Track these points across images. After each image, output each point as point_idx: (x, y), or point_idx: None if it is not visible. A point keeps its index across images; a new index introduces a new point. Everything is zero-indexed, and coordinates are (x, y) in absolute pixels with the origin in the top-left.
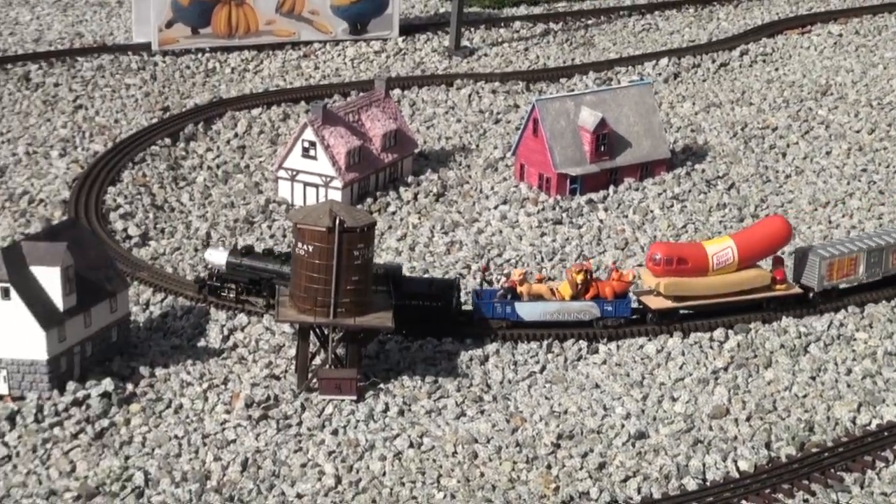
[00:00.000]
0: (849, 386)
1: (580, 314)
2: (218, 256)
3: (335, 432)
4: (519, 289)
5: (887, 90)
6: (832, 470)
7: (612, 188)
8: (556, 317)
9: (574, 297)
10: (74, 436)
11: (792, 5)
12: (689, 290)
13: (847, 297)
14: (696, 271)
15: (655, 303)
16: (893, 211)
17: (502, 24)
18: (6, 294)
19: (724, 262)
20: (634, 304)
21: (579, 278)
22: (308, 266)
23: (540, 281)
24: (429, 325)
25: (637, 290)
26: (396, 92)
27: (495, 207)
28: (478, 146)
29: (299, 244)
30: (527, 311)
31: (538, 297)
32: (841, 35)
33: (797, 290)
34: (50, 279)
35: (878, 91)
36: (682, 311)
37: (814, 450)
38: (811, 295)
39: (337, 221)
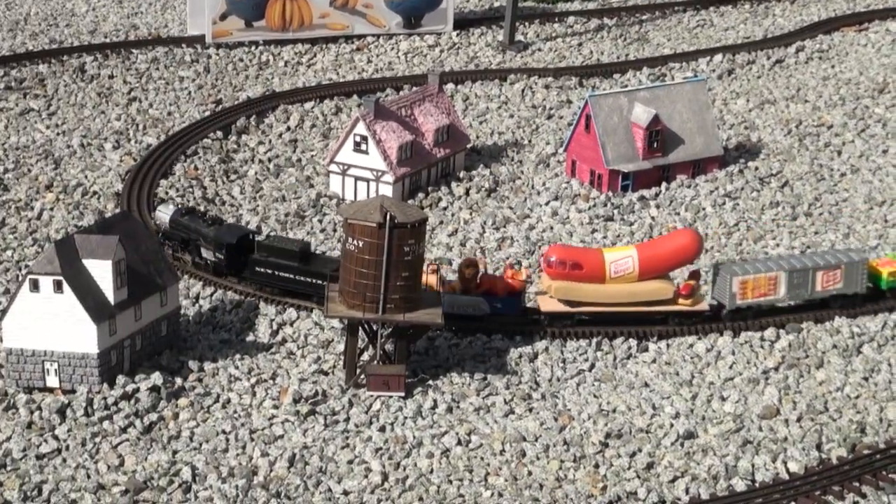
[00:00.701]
0: None
1: (469, 308)
2: (163, 215)
3: (382, 429)
4: None
5: None
6: (884, 472)
7: (664, 185)
8: (447, 309)
9: (465, 291)
10: (123, 430)
11: (849, 2)
12: (580, 295)
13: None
14: (592, 278)
15: (547, 305)
16: None
17: (556, 19)
18: (59, 287)
19: (622, 271)
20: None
21: (468, 273)
22: (358, 262)
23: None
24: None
25: (538, 290)
26: (450, 86)
27: (546, 203)
28: (530, 141)
29: (350, 239)
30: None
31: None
32: None
33: (704, 305)
34: (102, 272)
35: None
36: (578, 317)
37: (865, 451)
38: (723, 312)
39: (388, 217)
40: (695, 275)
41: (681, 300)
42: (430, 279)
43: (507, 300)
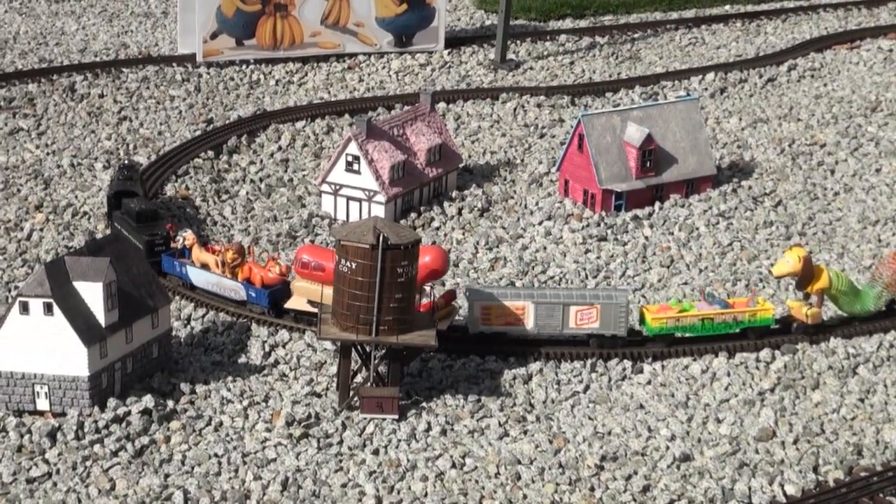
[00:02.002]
0: None
1: (231, 292)
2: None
3: (376, 452)
4: (192, 254)
5: None
6: (881, 494)
7: (657, 205)
8: (215, 289)
9: (234, 275)
10: (114, 453)
11: (841, 20)
12: (315, 296)
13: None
14: (331, 280)
15: (293, 302)
16: None
17: (548, 38)
18: (49, 309)
19: None
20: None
21: (228, 256)
22: (351, 283)
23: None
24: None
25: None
26: (441, 105)
27: (540, 223)
28: (522, 161)
29: (342, 261)
30: (195, 275)
31: (204, 266)
32: (891, 50)
33: (447, 323)
34: (93, 294)
35: None
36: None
37: (862, 474)
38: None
39: (381, 238)
40: (448, 296)
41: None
42: (226, 256)
43: (259, 291)
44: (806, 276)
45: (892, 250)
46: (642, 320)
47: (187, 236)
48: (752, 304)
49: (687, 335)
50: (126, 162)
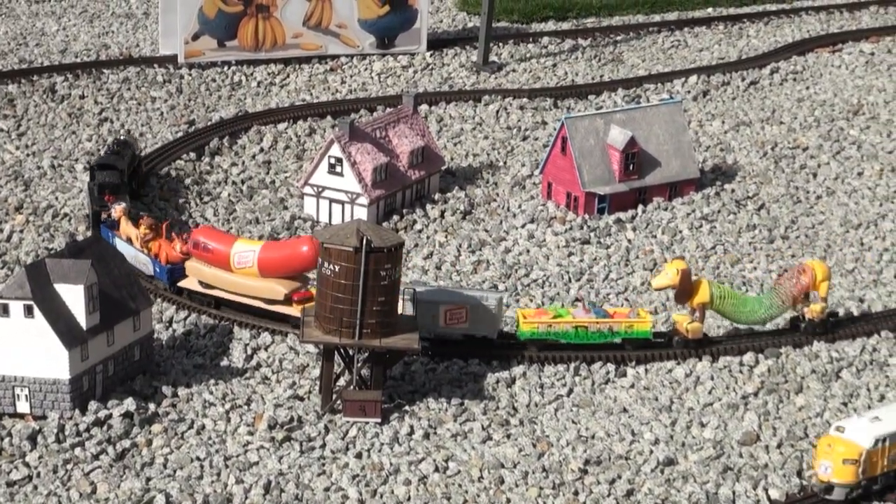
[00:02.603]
0: None
1: (143, 266)
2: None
3: (359, 455)
4: (119, 226)
5: None
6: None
7: (640, 208)
8: (133, 262)
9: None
10: (95, 456)
11: (823, 23)
12: (201, 276)
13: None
14: (219, 263)
15: (186, 282)
16: None
17: (530, 40)
18: (29, 312)
19: (243, 263)
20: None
21: (141, 230)
22: (334, 286)
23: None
24: None
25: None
26: (423, 107)
27: (523, 226)
28: (505, 163)
29: (325, 264)
30: (120, 248)
31: (129, 239)
32: (873, 54)
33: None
34: (74, 297)
35: None
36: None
37: None
38: None
39: (364, 241)
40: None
41: (294, 304)
42: (140, 228)
43: (161, 267)
44: (684, 289)
45: (798, 264)
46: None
47: (117, 209)
48: (633, 315)
49: (561, 341)
50: (123, 137)
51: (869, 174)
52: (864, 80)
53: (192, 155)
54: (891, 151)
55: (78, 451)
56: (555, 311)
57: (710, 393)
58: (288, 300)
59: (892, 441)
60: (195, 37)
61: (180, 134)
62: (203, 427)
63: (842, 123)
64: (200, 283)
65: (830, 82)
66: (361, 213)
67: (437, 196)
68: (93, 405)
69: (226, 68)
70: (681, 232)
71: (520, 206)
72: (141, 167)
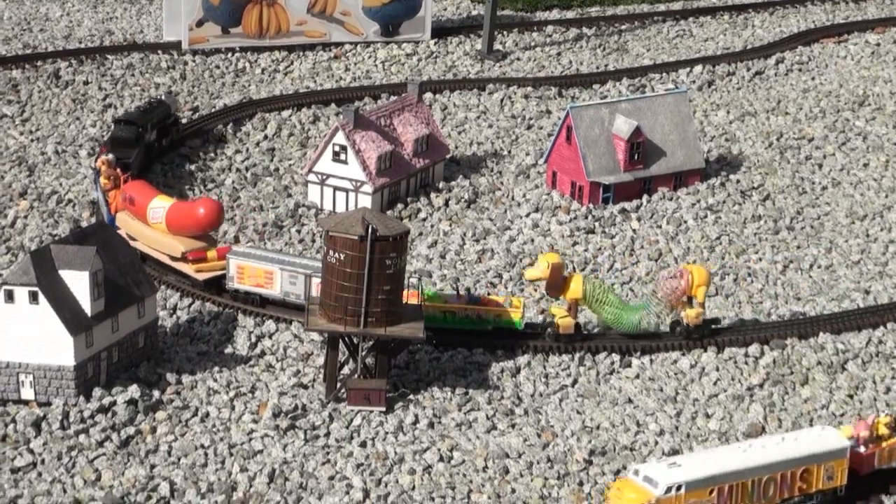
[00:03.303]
0: (887, 405)
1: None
2: None
3: (363, 444)
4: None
5: None
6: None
7: (645, 197)
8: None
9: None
10: (100, 444)
11: (828, 13)
12: (127, 228)
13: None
14: (140, 216)
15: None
16: None
17: (535, 28)
18: (34, 298)
19: (156, 219)
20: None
21: (102, 179)
22: (339, 274)
23: None
24: None
25: None
26: (428, 95)
27: (527, 215)
28: (509, 152)
29: (330, 252)
30: (99, 196)
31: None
32: (878, 44)
33: (207, 276)
34: (79, 283)
35: None
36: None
37: None
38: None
39: (369, 230)
40: (222, 250)
41: (189, 263)
42: None
43: (110, 216)
44: (554, 282)
45: (667, 271)
46: None
47: (101, 160)
48: (507, 304)
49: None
50: (163, 95)
51: (874, 165)
52: (869, 70)
53: (197, 141)
54: None
55: (82, 437)
56: (428, 294)
57: (715, 384)
58: (184, 258)
59: (690, 489)
60: (199, 23)
61: (184, 121)
62: (207, 415)
63: (847, 114)
64: (128, 235)
65: (836, 73)
66: (365, 201)
67: (441, 184)
68: (97, 392)
69: (230, 55)
70: (686, 222)
71: (524, 196)
72: (176, 126)
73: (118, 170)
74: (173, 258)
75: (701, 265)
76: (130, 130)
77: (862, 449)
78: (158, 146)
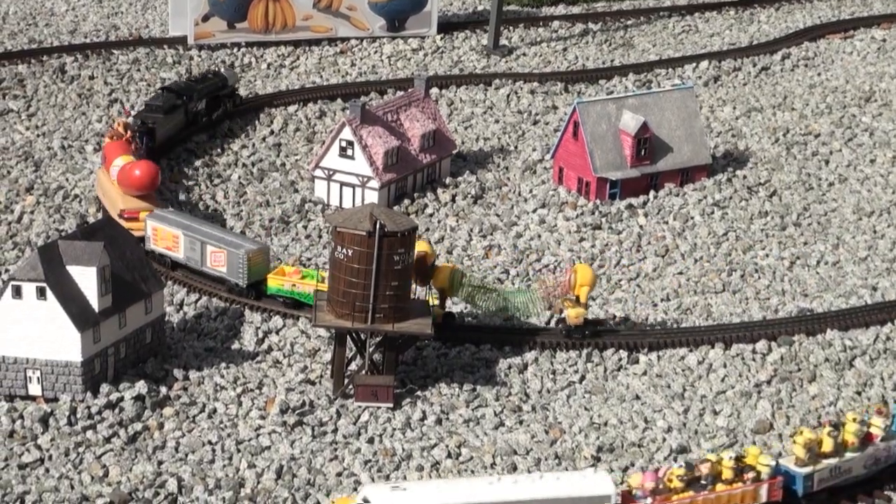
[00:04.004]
0: None
1: None
2: None
3: (371, 441)
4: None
5: None
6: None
7: (652, 193)
8: None
9: None
10: (107, 440)
11: (834, 9)
12: (99, 185)
13: None
14: (107, 173)
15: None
16: None
17: (541, 24)
18: (42, 294)
19: (113, 176)
20: None
21: (106, 138)
22: (347, 270)
23: None
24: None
25: None
26: (434, 91)
27: (534, 211)
28: (516, 147)
29: (338, 248)
30: None
31: None
32: (884, 40)
33: (138, 234)
34: (86, 279)
35: None
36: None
37: None
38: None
39: (378, 226)
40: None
41: (124, 220)
42: None
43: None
44: (420, 270)
45: (544, 276)
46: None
47: (119, 121)
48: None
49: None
50: (222, 69)
51: (881, 161)
52: (875, 66)
53: (203, 136)
54: None
55: (90, 433)
56: (304, 272)
57: (722, 381)
58: (121, 215)
59: None
60: (205, 18)
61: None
62: (215, 411)
63: (854, 110)
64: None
65: (842, 69)
66: (372, 197)
67: (447, 180)
68: (104, 388)
69: (236, 50)
70: (692, 218)
71: (531, 191)
72: (233, 99)
73: (128, 133)
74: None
75: (587, 266)
76: (167, 98)
77: (648, 501)
78: (207, 117)
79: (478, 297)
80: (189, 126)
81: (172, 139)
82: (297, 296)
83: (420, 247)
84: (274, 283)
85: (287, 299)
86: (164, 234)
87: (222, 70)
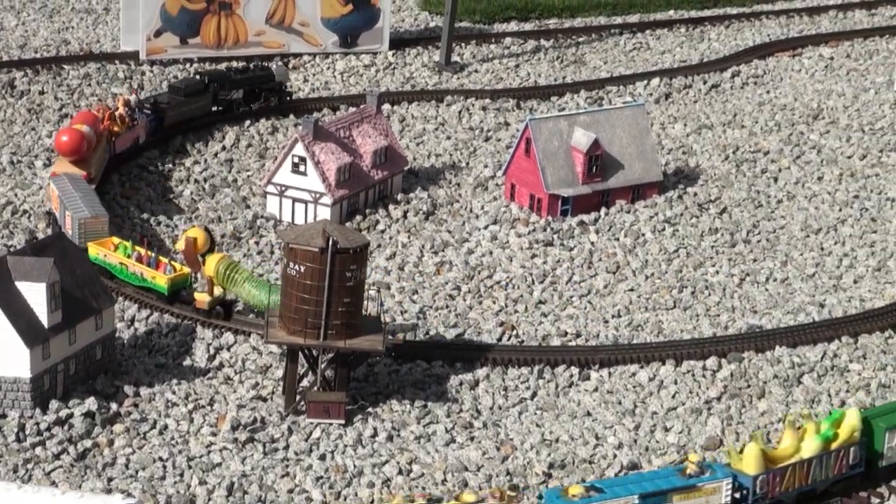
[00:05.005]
0: None
1: None
2: None
3: (323, 457)
4: None
5: (878, 115)
6: None
7: (603, 210)
8: None
9: None
10: (56, 456)
11: (783, 27)
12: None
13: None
14: None
15: None
16: (885, 239)
17: (493, 40)
18: None
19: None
20: None
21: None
22: (299, 287)
23: None
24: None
25: None
26: (386, 107)
27: (485, 227)
28: (468, 164)
29: (290, 264)
30: None
31: None
32: (832, 58)
33: None
34: (35, 295)
35: (870, 116)
36: None
37: None
38: None
39: (330, 242)
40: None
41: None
42: None
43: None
44: (188, 257)
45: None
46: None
47: (122, 97)
48: (168, 270)
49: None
50: (274, 64)
51: (829, 179)
52: (823, 84)
53: (155, 152)
54: (850, 156)
55: (38, 450)
56: (119, 244)
57: (673, 397)
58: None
59: None
60: (157, 33)
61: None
62: (166, 427)
63: (802, 128)
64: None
65: (791, 86)
66: (325, 213)
67: (399, 196)
68: (54, 404)
69: (188, 65)
70: (643, 235)
71: (482, 208)
72: (278, 94)
73: (124, 110)
74: None
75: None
76: (191, 82)
77: None
78: (246, 107)
79: (237, 290)
80: (224, 112)
81: (191, 122)
82: (106, 266)
83: (192, 233)
84: (93, 251)
85: (101, 269)
86: (55, 197)
87: (273, 65)
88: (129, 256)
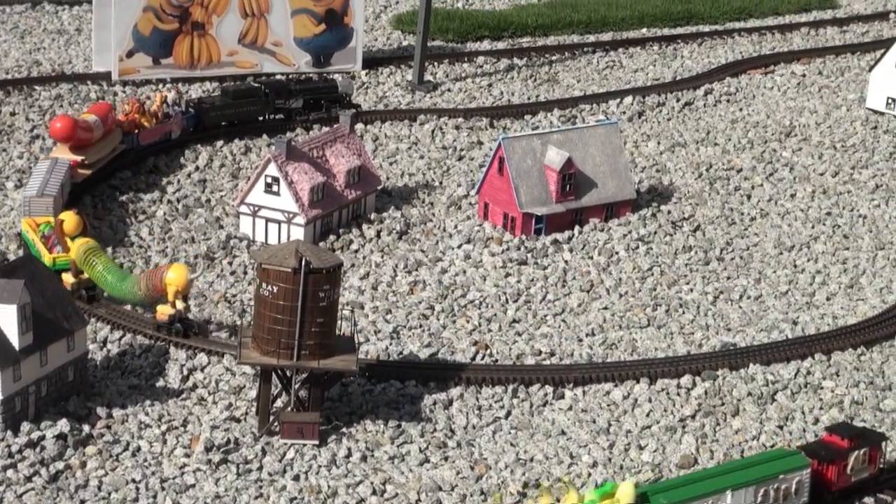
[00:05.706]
0: (816, 435)
1: None
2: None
3: (297, 478)
4: None
5: (850, 132)
6: None
7: (577, 228)
8: None
9: None
10: (28, 479)
11: (755, 45)
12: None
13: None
14: None
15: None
16: (857, 256)
17: (466, 59)
18: None
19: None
20: None
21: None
22: (272, 307)
23: None
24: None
25: None
26: (359, 126)
27: (459, 247)
28: (441, 183)
29: (263, 284)
30: None
31: None
32: (804, 76)
33: None
34: (6, 317)
35: (842, 133)
36: None
37: None
38: None
39: (303, 262)
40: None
41: None
42: None
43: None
44: (58, 238)
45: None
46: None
47: (161, 93)
48: (58, 251)
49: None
50: (339, 77)
51: (801, 196)
52: (795, 101)
53: (128, 173)
54: (822, 173)
55: (10, 472)
56: (42, 224)
57: (647, 415)
58: None
59: None
60: (129, 54)
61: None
62: (139, 449)
63: (774, 145)
64: None
65: (763, 104)
66: (298, 233)
67: (373, 216)
68: (25, 426)
69: (161, 86)
70: (617, 253)
71: (456, 227)
72: (339, 105)
73: (159, 105)
74: None
75: (183, 267)
76: (242, 88)
77: None
78: (305, 116)
79: (92, 273)
80: (285, 120)
81: (240, 125)
82: (26, 240)
83: (63, 215)
84: (24, 226)
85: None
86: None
87: (340, 79)
88: (41, 236)
